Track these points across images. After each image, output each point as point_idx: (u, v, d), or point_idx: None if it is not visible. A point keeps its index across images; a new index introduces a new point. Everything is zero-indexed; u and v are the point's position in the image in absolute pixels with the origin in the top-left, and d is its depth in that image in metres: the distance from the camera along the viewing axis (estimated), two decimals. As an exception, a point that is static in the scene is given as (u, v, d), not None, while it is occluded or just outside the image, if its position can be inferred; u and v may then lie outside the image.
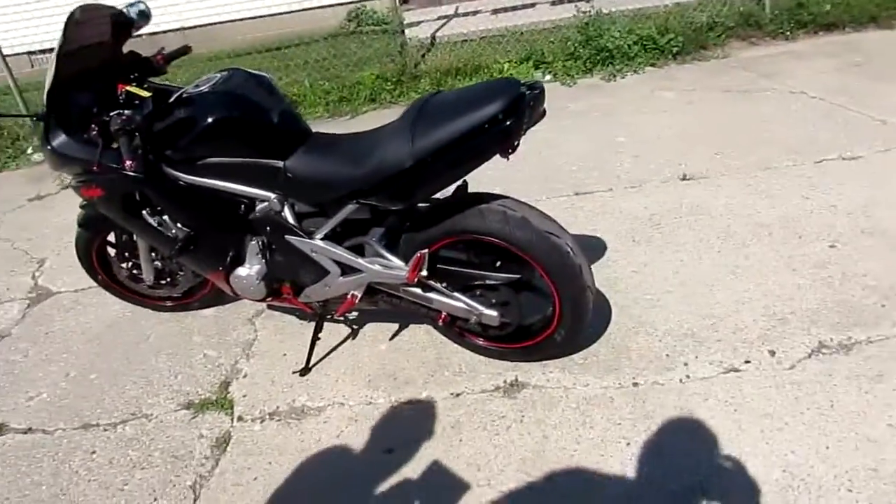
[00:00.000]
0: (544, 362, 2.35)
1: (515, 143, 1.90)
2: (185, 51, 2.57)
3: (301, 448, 2.16)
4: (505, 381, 2.31)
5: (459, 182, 2.20)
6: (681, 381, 2.20)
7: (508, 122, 1.82)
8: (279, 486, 2.03)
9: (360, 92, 5.64)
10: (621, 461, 1.95)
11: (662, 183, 3.49)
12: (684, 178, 3.50)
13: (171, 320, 2.94)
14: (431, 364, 2.44)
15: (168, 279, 2.81)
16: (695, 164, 3.63)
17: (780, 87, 4.56)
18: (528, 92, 1.87)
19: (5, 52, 5.44)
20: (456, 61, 5.72)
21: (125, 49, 2.41)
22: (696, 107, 4.45)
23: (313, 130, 2.29)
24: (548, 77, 5.53)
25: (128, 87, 2.24)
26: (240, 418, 2.33)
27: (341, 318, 2.73)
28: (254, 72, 2.27)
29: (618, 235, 3.06)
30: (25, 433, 2.41)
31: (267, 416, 2.31)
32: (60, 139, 2.27)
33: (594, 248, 2.98)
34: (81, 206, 2.60)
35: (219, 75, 2.20)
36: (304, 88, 5.75)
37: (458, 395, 2.29)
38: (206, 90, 2.13)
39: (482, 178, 2.98)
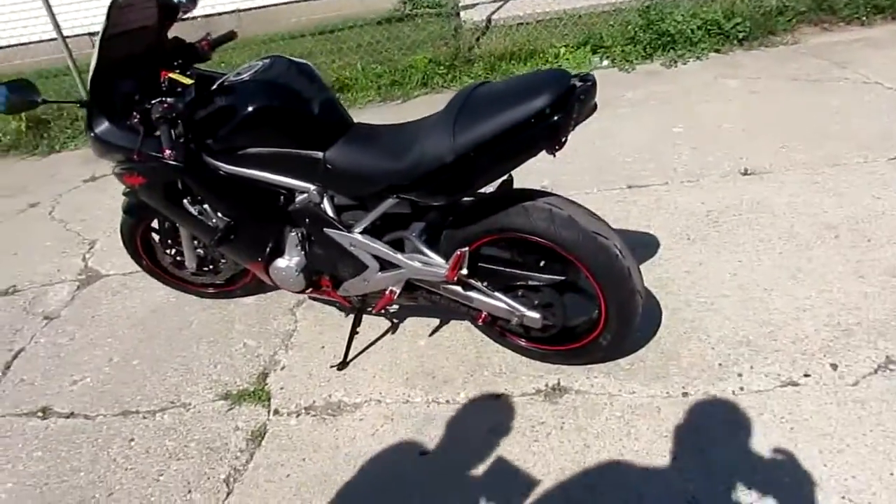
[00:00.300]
0: (589, 367, 2.25)
1: (563, 139, 1.79)
2: (230, 36, 2.54)
3: (335, 445, 2.12)
4: (547, 385, 2.22)
5: (505, 177, 2.11)
6: (734, 392, 2.07)
7: (556, 118, 1.71)
8: (311, 484, 1.99)
9: (412, 76, 5.56)
10: (666, 477, 1.84)
11: (722, 177, 3.31)
12: (745, 173, 3.32)
13: (213, 307, 2.94)
14: (471, 363, 2.36)
15: (210, 266, 2.80)
16: (757, 157, 3.43)
17: (853, 77, 4.29)
18: (578, 84, 1.76)
19: (65, 32, 5.55)
20: (511, 45, 5.58)
21: (171, 34, 2.39)
22: (761, 96, 4.22)
23: (357, 120, 2.22)
24: (605, 62, 5.34)
25: (171, 74, 2.22)
26: (276, 412, 2.30)
27: (382, 313, 2.68)
28: (295, 59, 2.21)
29: (672, 233, 2.92)
30: (68, 418, 2.44)
31: (303, 411, 2.28)
32: (103, 126, 2.26)
33: (646, 245, 2.84)
34: (124, 194, 2.60)
35: (260, 63, 2.15)
36: (357, 72, 5.69)
37: (497, 397, 2.21)
38: (247, 78, 2.08)
39: (531, 170, 2.89)
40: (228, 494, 2.01)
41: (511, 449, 2.01)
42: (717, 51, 5.12)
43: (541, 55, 5.48)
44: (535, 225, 1.95)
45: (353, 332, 2.45)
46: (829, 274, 2.52)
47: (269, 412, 2.31)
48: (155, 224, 2.75)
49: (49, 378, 2.67)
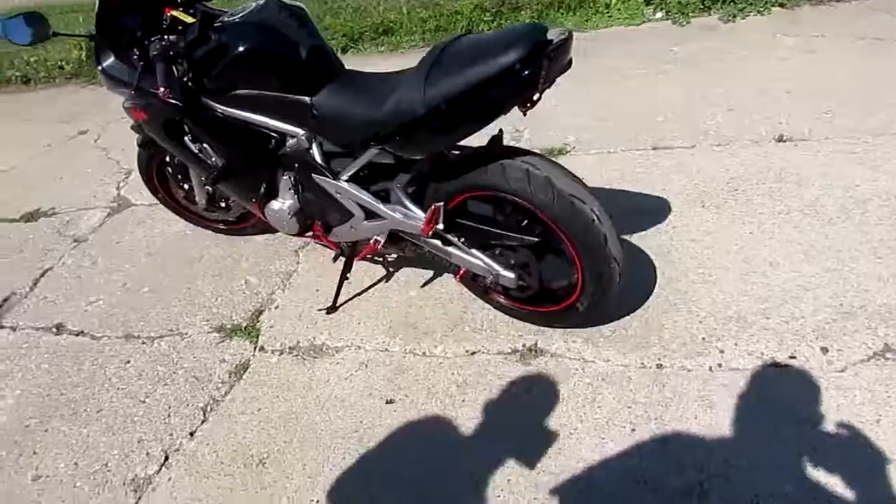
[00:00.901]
0: (570, 331, 2.22)
1: (534, 97, 1.73)
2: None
3: (309, 386, 2.19)
4: (524, 346, 2.21)
5: (495, 133, 2.07)
6: (710, 368, 2.02)
7: (525, 73, 1.65)
8: (278, 421, 2.07)
9: (457, 22, 5.44)
10: (621, 447, 1.82)
11: (753, 143, 3.14)
12: (781, 140, 3.13)
13: (224, 243, 3.03)
14: (455, 317, 2.37)
15: (222, 203, 2.88)
16: (797, 123, 3.24)
17: (926, 39, 3.95)
18: (554, 40, 1.68)
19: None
20: (564, -9, 5.37)
21: None
22: (818, 56, 3.95)
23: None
24: (659, 14, 5.09)
25: (173, 12, 2.23)
26: (261, 348, 2.38)
27: (379, 260, 2.71)
28: (287, 2, 2.19)
29: (687, 198, 2.81)
30: (77, 335, 2.60)
31: (286, 350, 2.35)
32: (109, 60, 2.32)
33: (656, 210, 2.75)
34: (132, 128, 2.67)
35: (253, 4, 2.14)
36: (402, 15, 5.61)
37: (473, 353, 2.22)
38: (238, 20, 2.08)
39: (554, 125, 2.78)
40: (203, 422, 2.11)
41: (475, 405, 2.02)
42: (781, 5, 4.79)
43: (591, 4, 5.25)
44: (510, 185, 1.91)
45: (343, 278, 2.49)
46: (844, 252, 2.39)
47: (255, 348, 2.39)
48: (168, 158, 2.83)
49: (68, 298, 2.83)
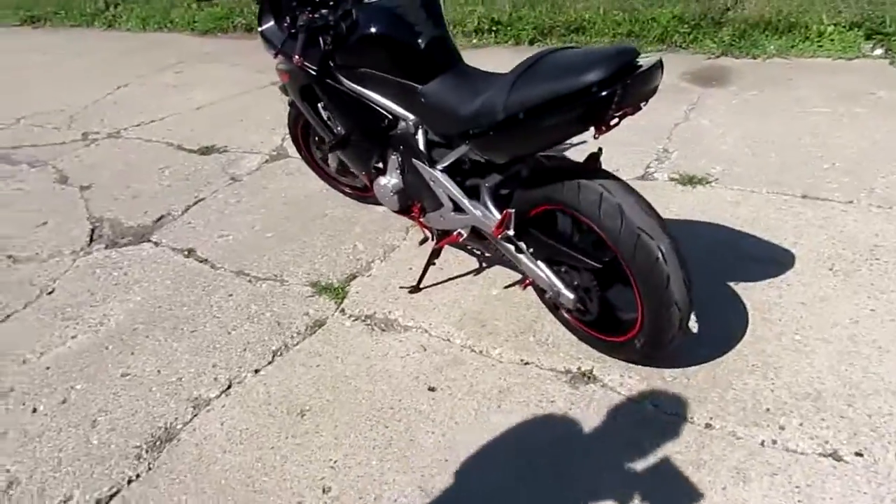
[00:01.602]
0: (632, 366, 2.14)
1: (609, 121, 1.68)
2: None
3: (367, 355, 2.31)
4: (579, 369, 2.17)
5: (595, 151, 2.03)
6: (762, 443, 1.86)
7: (600, 96, 1.61)
8: (329, 381, 2.22)
9: (651, 30, 5.25)
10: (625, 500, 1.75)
11: (924, 212, 2.77)
12: (959, 215, 2.73)
13: (349, 206, 3.23)
14: (524, 324, 2.37)
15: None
16: None
17: None
18: (640, 66, 1.63)
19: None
20: (772, 13, 4.97)
21: None
22: None
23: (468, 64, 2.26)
24: (878, 51, 4.56)
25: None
26: (342, 310, 2.54)
27: (477, 253, 2.76)
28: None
29: (817, 257, 2.55)
30: (201, 262, 2.93)
31: (362, 318, 2.49)
32: (268, 24, 2.56)
33: (776, 262, 2.53)
34: (279, 88, 2.92)
35: None
36: (597, 15, 5.51)
37: (526, 363, 2.21)
38: (373, 2, 2.22)
39: (712, 146, 2.64)
40: (269, 363, 2.32)
41: (507, 415, 2.03)
42: None
43: (801, 30, 4.82)
44: (582, 206, 1.87)
45: (430, 262, 2.57)
46: (979, 358, 2.06)
47: (336, 309, 2.56)
48: (310, 120, 3.07)
49: (207, 227, 3.20)
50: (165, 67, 5.88)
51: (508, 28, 5.72)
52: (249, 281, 2.77)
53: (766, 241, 2.69)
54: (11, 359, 2.43)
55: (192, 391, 2.22)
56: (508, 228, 2.04)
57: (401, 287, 2.60)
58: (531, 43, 5.54)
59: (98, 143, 4.27)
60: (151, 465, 1.97)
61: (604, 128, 1.71)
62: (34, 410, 2.20)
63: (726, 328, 2.25)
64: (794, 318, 2.27)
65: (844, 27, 4.74)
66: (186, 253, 3.00)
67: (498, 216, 2.10)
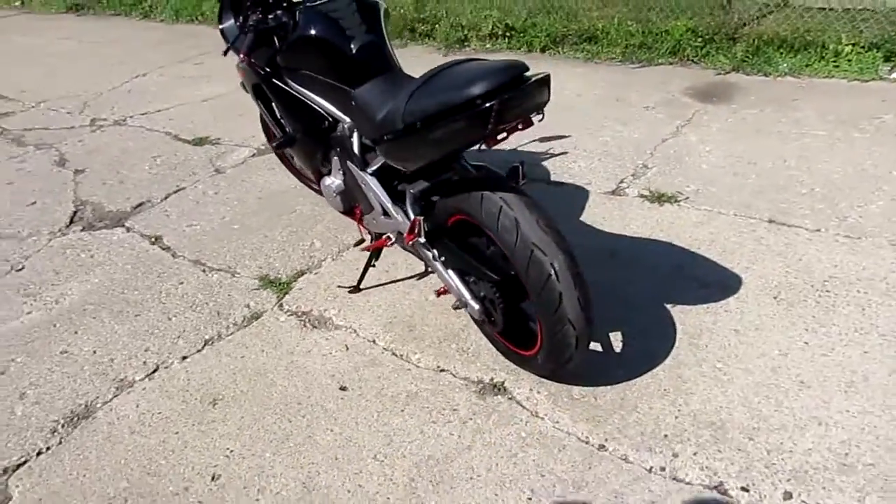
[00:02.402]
0: (543, 381, 2.13)
1: (494, 134, 1.69)
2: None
3: (291, 351, 2.35)
4: (491, 380, 2.16)
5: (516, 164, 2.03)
6: (650, 469, 1.82)
7: (479, 109, 1.62)
8: (248, 373, 2.27)
9: (664, 42, 5.16)
10: (504, 512, 1.75)
11: (892, 244, 2.66)
12: (929, 250, 2.62)
13: (320, 204, 3.28)
14: (451, 332, 2.38)
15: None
16: (962, 237, 2.67)
17: None
18: (526, 81, 1.63)
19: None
20: (788, 31, 4.83)
21: None
22: None
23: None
24: (895, 74, 4.38)
25: (283, -10, 2.47)
26: (280, 305, 2.60)
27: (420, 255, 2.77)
28: (368, -3, 2.32)
29: (764, 285, 2.48)
30: (164, 249, 3.03)
31: (297, 314, 2.54)
32: (228, 22, 2.63)
33: (721, 287, 2.48)
34: (240, 84, 2.99)
35: None
36: (611, 25, 5.45)
37: (441, 370, 2.22)
38: (311, 6, 2.26)
39: (693, 164, 2.59)
40: (198, 352, 2.38)
41: (406, 419, 2.04)
42: None
43: (816, 49, 4.66)
44: (483, 217, 1.88)
45: (369, 264, 2.60)
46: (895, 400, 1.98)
47: (276, 304, 2.61)
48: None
49: (179, 216, 3.30)
50: (187, 59, 6.06)
51: (522, 34, 5.71)
52: (203, 271, 2.85)
53: (718, 264, 2.63)
54: (-34, 330, 2.56)
55: (119, 373, 2.30)
56: (419, 236, 2.05)
57: (339, 286, 2.64)
58: (543, 50, 5.52)
59: (103, 130, 4.44)
60: (63, 440, 2.06)
61: (490, 140, 1.71)
62: (-28, 380, 2.32)
63: (650, 350, 2.22)
64: (721, 345, 2.22)
65: (863, 48, 4.57)
66: (153, 240, 3.10)
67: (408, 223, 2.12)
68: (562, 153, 3.69)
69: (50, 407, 2.18)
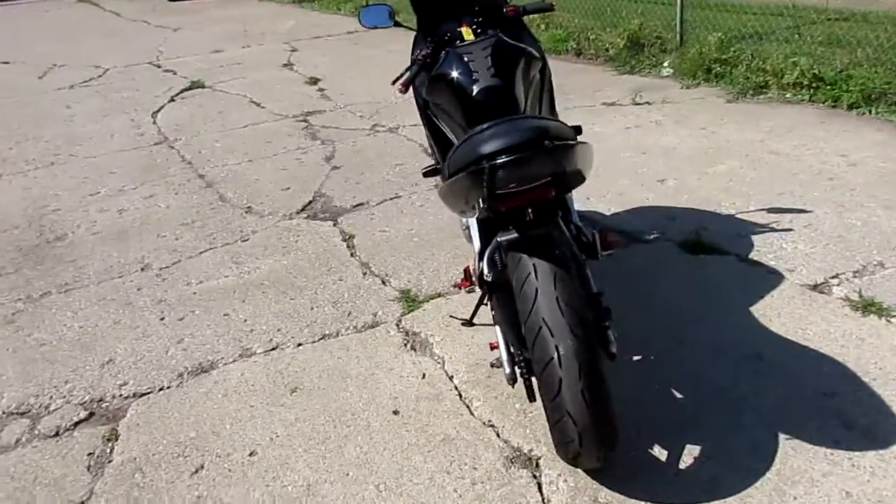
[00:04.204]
0: (580, 470, 1.96)
1: (496, 198, 1.62)
2: (545, 8, 2.70)
3: (377, 365, 2.50)
4: (529, 451, 2.05)
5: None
6: None
7: (475, 170, 1.58)
8: (335, 373, 2.48)
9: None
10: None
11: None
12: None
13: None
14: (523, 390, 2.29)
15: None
16: None
17: None
18: (545, 146, 1.54)
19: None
20: None
21: None
22: None
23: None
24: None
25: (462, 28, 2.60)
26: (399, 321, 2.76)
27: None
28: (511, 43, 2.32)
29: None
30: (349, 248, 3.40)
31: (406, 332, 2.68)
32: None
33: (869, 438, 1.97)
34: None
35: (484, 39, 2.35)
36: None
37: (490, 425, 2.17)
38: (457, 47, 2.35)
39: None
40: (312, 343, 2.67)
41: (431, 461, 2.05)
42: None
43: None
44: (513, 279, 1.80)
45: (482, 301, 2.58)
46: None
47: (397, 318, 2.78)
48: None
49: (381, 220, 3.65)
50: None
51: (830, 87, 4.96)
52: (364, 273, 3.15)
53: (884, 407, 2.09)
54: (182, 282, 3.21)
55: (249, 343, 2.70)
56: (471, 282, 2.03)
57: (451, 316, 2.70)
58: (851, 107, 4.72)
59: (377, 135, 5.05)
60: (181, 385, 2.50)
61: (501, 203, 1.65)
62: (162, 319, 2.93)
63: (719, 480, 1.88)
64: None
65: None
66: (346, 237, 3.50)
67: (477, 267, 2.09)
68: (784, 229, 3.19)
69: (190, 356, 2.66)
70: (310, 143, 4.98)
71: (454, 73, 2.27)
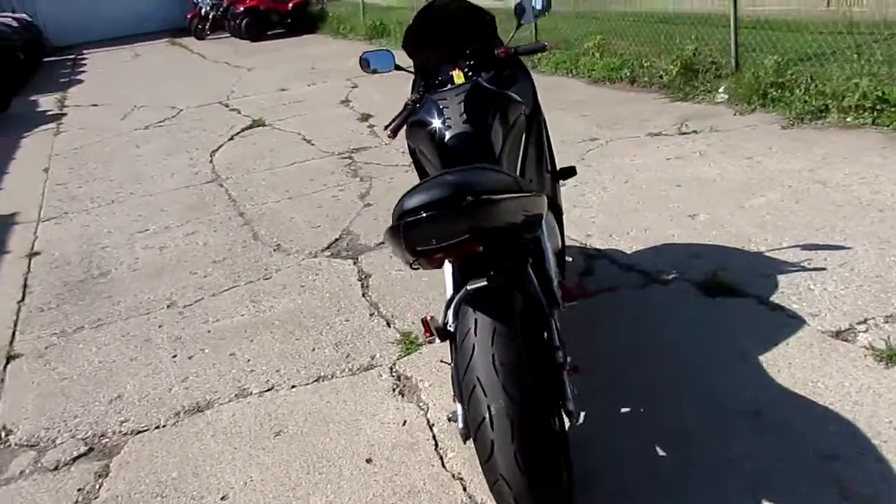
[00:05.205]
0: None
1: (416, 255, 1.58)
2: (538, 49, 2.66)
3: (362, 411, 2.49)
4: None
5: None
6: None
7: (393, 226, 1.56)
8: (318, 416, 2.48)
9: None
10: None
11: None
12: None
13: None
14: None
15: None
16: None
17: None
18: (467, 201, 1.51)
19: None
20: None
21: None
22: None
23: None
24: None
25: (454, 72, 2.60)
26: (393, 365, 2.74)
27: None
28: (488, 88, 2.29)
29: None
30: (363, 287, 3.42)
31: (397, 376, 2.66)
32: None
33: None
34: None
35: (462, 84, 2.34)
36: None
37: (459, 478, 2.11)
38: (437, 92, 2.34)
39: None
40: (306, 385, 2.69)
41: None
42: None
43: None
44: (455, 332, 1.76)
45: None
46: None
47: (392, 362, 2.76)
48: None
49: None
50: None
51: (896, 109, 4.62)
52: (371, 314, 3.15)
53: (891, 474, 1.89)
54: (200, 320, 3.32)
55: (246, 383, 2.75)
56: (431, 333, 1.99)
57: (441, 361, 2.65)
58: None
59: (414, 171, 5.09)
60: (177, 423, 2.57)
61: (414, 260, 1.62)
62: (174, 356, 3.03)
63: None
64: None
65: None
66: (362, 277, 3.52)
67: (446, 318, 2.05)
68: (816, 268, 2.97)
69: (191, 395, 2.73)
70: (349, 181, 5.08)
71: (429, 119, 2.26)
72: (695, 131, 5.06)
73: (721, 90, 5.87)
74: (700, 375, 2.42)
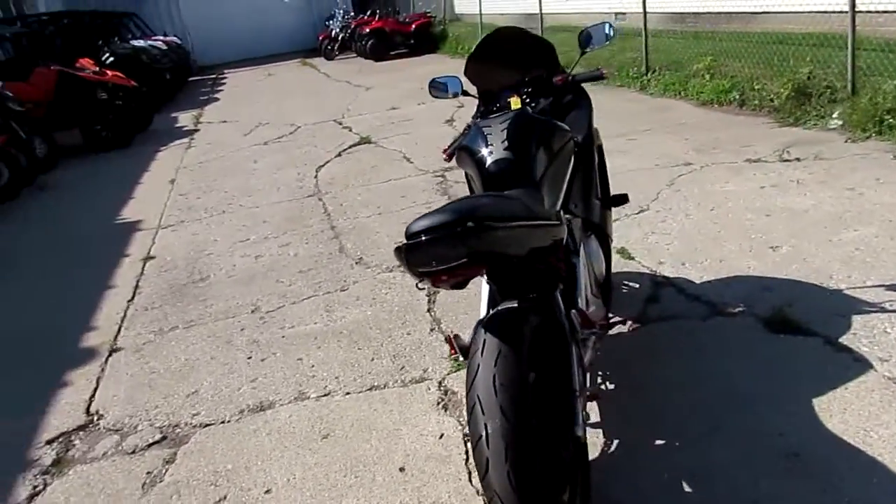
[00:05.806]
0: None
1: (419, 277, 1.67)
2: (596, 77, 2.69)
3: (405, 421, 2.60)
4: None
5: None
6: None
7: (397, 247, 1.66)
8: (362, 425, 2.62)
9: None
10: None
11: None
12: None
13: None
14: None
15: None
16: None
17: None
18: (459, 230, 1.58)
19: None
20: None
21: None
22: None
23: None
24: None
25: (511, 98, 2.69)
26: (442, 379, 2.83)
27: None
28: (534, 117, 2.35)
29: None
30: (429, 303, 3.55)
31: (445, 391, 2.75)
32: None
33: None
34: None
35: (510, 112, 2.41)
36: None
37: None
38: (486, 118, 2.43)
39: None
40: (360, 392, 2.84)
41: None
42: None
43: None
44: (469, 349, 1.83)
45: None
46: None
47: (442, 376, 2.85)
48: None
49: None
50: (638, 133, 6.23)
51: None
52: (432, 329, 3.26)
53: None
54: (278, 326, 3.56)
55: (307, 387, 2.94)
56: (457, 352, 2.06)
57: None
58: None
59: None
60: (240, 420, 2.79)
61: (419, 280, 1.71)
62: (251, 355, 3.27)
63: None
64: None
65: None
66: (431, 292, 3.64)
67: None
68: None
69: (256, 394, 2.95)
70: (437, 198, 5.23)
71: (474, 145, 2.35)
72: (797, 158, 4.81)
73: (835, 115, 5.55)
74: (745, 411, 2.34)
